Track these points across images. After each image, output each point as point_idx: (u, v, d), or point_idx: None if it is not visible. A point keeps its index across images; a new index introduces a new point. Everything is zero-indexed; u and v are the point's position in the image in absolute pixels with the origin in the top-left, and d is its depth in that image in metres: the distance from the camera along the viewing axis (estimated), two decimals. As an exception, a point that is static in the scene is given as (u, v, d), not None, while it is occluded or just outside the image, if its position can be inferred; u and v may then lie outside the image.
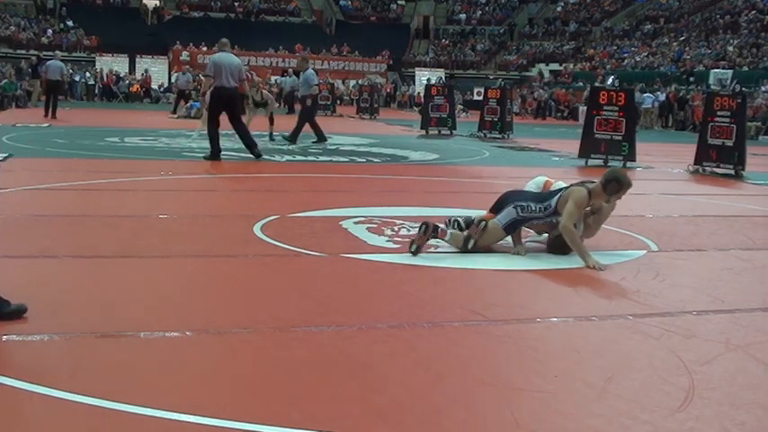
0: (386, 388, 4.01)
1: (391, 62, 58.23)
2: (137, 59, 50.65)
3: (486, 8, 68.45)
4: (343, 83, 51.40)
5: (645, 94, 38.65)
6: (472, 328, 5.12)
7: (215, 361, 4.33)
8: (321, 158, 16.22)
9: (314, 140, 20.07)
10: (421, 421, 3.66)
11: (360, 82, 43.05)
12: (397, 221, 8.63)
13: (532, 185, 8.23)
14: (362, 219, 8.74)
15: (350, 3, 67.02)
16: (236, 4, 62.76)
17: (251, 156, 14.94)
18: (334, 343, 4.68)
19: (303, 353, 4.48)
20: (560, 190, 7.38)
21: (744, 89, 17.44)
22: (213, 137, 14.64)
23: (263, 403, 3.76)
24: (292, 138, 19.82)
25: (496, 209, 7.60)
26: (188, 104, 29.96)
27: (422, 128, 25.88)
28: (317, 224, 8.50)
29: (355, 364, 4.35)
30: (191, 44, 52.82)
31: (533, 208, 7.33)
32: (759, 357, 4.75)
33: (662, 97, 38.44)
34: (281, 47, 55.64)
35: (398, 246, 7.47)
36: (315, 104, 21.76)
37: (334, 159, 16.16)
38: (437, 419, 3.70)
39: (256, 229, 7.92)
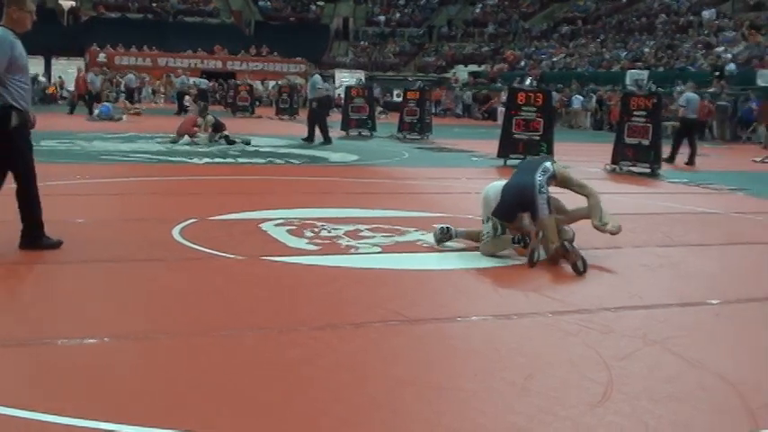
0: (308, 390, 4.00)
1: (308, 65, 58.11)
2: (52, 61, 49.80)
3: (406, 10, 68.65)
4: (262, 84, 51.10)
5: (573, 96, 39.15)
6: (393, 328, 5.13)
7: (134, 367, 4.28)
8: (240, 160, 16.10)
9: (303, 138, 21.64)
10: (344, 422, 3.66)
11: (279, 83, 42.81)
12: (318, 223, 8.60)
13: (491, 192, 7.97)
14: (282, 221, 8.70)
15: (269, 3, 66.67)
16: (153, 4, 61.96)
17: (170, 158, 14.80)
18: (255, 346, 4.65)
19: (223, 357, 4.45)
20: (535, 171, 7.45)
21: (659, 89, 17.73)
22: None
23: (184, 410, 3.72)
24: (311, 138, 21.56)
25: (506, 212, 7.42)
26: (99, 106, 29.47)
27: (342, 129, 25.86)
28: (236, 227, 8.44)
29: (276, 367, 4.33)
30: (108, 45, 52.11)
31: (544, 182, 7.36)
32: (676, 352, 4.84)
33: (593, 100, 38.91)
34: (199, 48, 55.16)
35: (319, 247, 7.45)
36: (322, 107, 22.62)
37: (253, 161, 16.06)
38: (360, 420, 3.70)
39: (175, 233, 7.83)
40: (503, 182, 7.78)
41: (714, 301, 6.19)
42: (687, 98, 19.55)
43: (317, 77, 23.15)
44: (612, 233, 7.48)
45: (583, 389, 4.15)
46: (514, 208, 7.42)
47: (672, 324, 5.53)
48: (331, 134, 21.67)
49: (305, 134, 21.80)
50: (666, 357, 4.77)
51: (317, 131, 21.55)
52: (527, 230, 7.40)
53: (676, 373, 4.49)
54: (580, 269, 6.83)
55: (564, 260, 7.01)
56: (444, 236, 7.65)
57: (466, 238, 7.79)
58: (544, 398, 4.01)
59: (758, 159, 21.47)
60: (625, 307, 5.89)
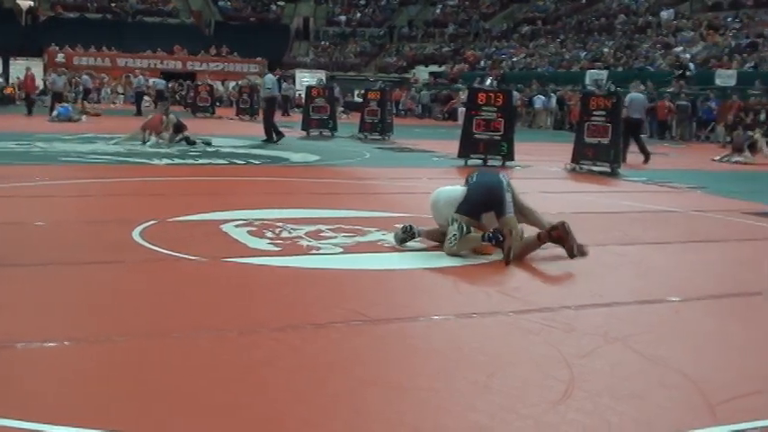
0: (269, 392, 3.97)
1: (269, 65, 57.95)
2: (10, 61, 49.33)
3: (366, 10, 68.67)
4: (223, 84, 50.93)
5: (535, 96, 39.36)
6: (355, 328, 5.11)
7: (94, 370, 4.22)
8: (200, 161, 16.02)
9: (264, 139, 21.80)
10: (306, 424, 3.64)
11: (239, 83, 42.70)
12: (279, 224, 8.56)
13: (449, 195, 7.98)
14: (243, 222, 8.65)
15: (229, 3, 66.43)
16: (112, 4, 61.51)
17: (129, 159, 14.70)
18: (215, 348, 4.61)
19: (182, 359, 4.40)
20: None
21: (618, 89, 17.87)
22: None
23: (144, 412, 3.68)
24: (269, 139, 21.78)
25: (471, 211, 7.50)
26: (59, 107, 29.21)
27: (302, 129, 25.81)
28: (197, 228, 8.39)
29: (237, 368, 4.29)
30: (66, 45, 51.68)
31: (509, 183, 7.59)
32: (637, 349, 4.86)
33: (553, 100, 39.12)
34: (159, 48, 54.88)
35: (280, 248, 7.41)
36: (269, 106, 22.71)
37: (213, 162, 15.98)
38: (322, 421, 3.68)
39: (135, 235, 7.76)
40: (452, 187, 7.92)
41: (674, 299, 6.23)
42: (630, 98, 19.74)
43: (267, 77, 23.44)
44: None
45: (545, 387, 4.15)
46: (481, 207, 7.50)
47: (633, 322, 5.55)
48: (292, 134, 21.66)
49: (264, 135, 21.80)
50: (628, 355, 4.79)
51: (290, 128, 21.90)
52: (496, 229, 7.43)
53: (638, 371, 4.51)
54: (575, 253, 7.04)
55: (558, 243, 7.16)
56: (407, 235, 7.64)
57: (428, 238, 7.79)
58: (506, 396, 4.01)
59: (717, 158, 21.68)
60: (586, 305, 5.91)
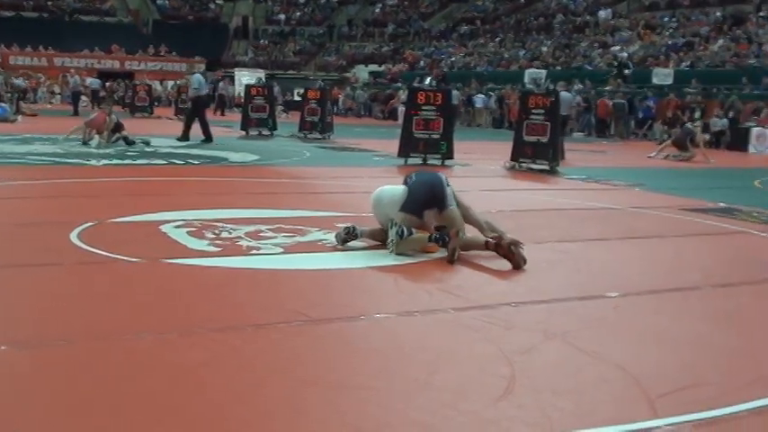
0: (209, 393, 3.94)
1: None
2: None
3: (306, 9, 68.53)
4: (161, 84, 50.48)
5: (477, 95, 39.54)
6: (296, 328, 5.08)
7: (29, 376, 4.15)
8: (139, 161, 15.83)
9: (178, 137, 21.33)
10: (247, 425, 3.61)
11: (178, 82, 42.34)
12: (218, 224, 8.50)
13: (392, 194, 7.98)
14: (183, 222, 8.58)
15: (167, 2, 65.85)
16: (49, 3, 60.58)
17: (67, 160, 14.50)
18: (154, 350, 4.56)
19: (121, 362, 4.34)
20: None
21: (557, 88, 18.01)
22: None
23: (80, 418, 3.62)
24: (208, 138, 21.41)
25: (415, 208, 7.54)
26: None
27: (242, 128, 25.66)
28: (136, 229, 8.30)
29: (177, 370, 4.24)
30: (2, 45, 50.91)
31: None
32: (576, 345, 4.90)
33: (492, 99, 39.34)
34: (96, 47, 54.26)
35: (220, 249, 7.35)
36: (195, 106, 22.43)
37: (152, 162, 15.81)
38: (263, 422, 3.66)
39: (73, 237, 7.64)
40: (393, 186, 7.94)
41: (613, 294, 6.29)
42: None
43: (195, 77, 23.19)
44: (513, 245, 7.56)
45: (486, 384, 4.17)
46: (424, 204, 7.54)
47: (572, 317, 5.60)
48: (231, 133, 21.52)
49: (203, 135, 21.65)
50: (567, 350, 4.82)
51: (184, 128, 21.70)
52: (436, 229, 7.54)
53: (577, 366, 4.55)
54: (521, 266, 7.03)
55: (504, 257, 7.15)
56: (349, 236, 7.62)
57: (370, 238, 7.79)
58: (447, 393, 4.02)
59: (652, 155, 21.93)
60: (526, 302, 5.95)
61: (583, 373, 4.43)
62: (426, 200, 7.54)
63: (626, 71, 36.50)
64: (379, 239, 7.74)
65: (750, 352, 5.08)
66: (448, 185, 7.62)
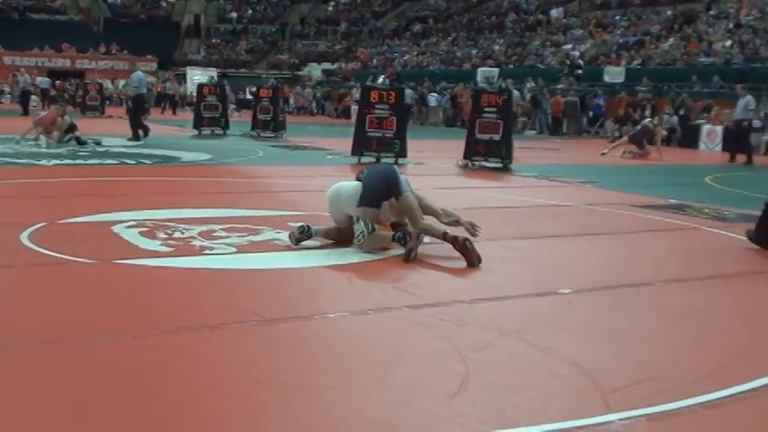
0: (164, 395, 3.91)
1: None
2: None
3: (258, 7, 68.32)
4: (112, 83, 50.07)
5: (431, 94, 39.61)
6: (250, 328, 5.06)
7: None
8: (91, 161, 15.69)
9: (128, 138, 21.16)
10: (202, 425, 3.60)
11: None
12: (171, 224, 8.45)
13: (350, 190, 7.97)
14: (135, 222, 8.51)
15: (118, 0, 65.31)
16: (-1, 1, 60.05)
17: (16, 160, 14.34)
18: (108, 353, 4.51)
19: (75, 364, 4.30)
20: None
21: (509, 86, 18.11)
22: None
23: (34, 423, 3.58)
24: (135, 137, 21.21)
25: (372, 200, 7.54)
26: None
27: (194, 128, 25.51)
28: (87, 230, 8.22)
29: (131, 373, 4.20)
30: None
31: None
32: (530, 341, 4.92)
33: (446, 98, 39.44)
34: (46, 46, 53.70)
35: (172, 249, 7.31)
36: (135, 104, 22.44)
37: (104, 162, 15.67)
38: (218, 422, 3.64)
39: (23, 238, 7.54)
40: (349, 182, 7.96)
41: (566, 291, 6.33)
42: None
43: (135, 75, 23.11)
44: (469, 230, 7.65)
45: (440, 381, 4.18)
46: (380, 195, 7.56)
47: (526, 314, 5.63)
48: (184, 133, 21.40)
49: (155, 134, 21.56)
50: (521, 347, 4.85)
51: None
52: (396, 225, 7.68)
53: (531, 362, 4.58)
54: (476, 264, 7.06)
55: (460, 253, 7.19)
56: (303, 235, 7.60)
57: (324, 237, 7.78)
58: (402, 391, 4.02)
59: (606, 152, 22.08)
60: (480, 299, 5.97)
61: (536, 369, 4.46)
62: (382, 190, 7.56)
63: (576, 71, 36.76)
64: (334, 238, 7.74)
65: (702, 346, 5.13)
66: (402, 174, 7.72)
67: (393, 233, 7.52)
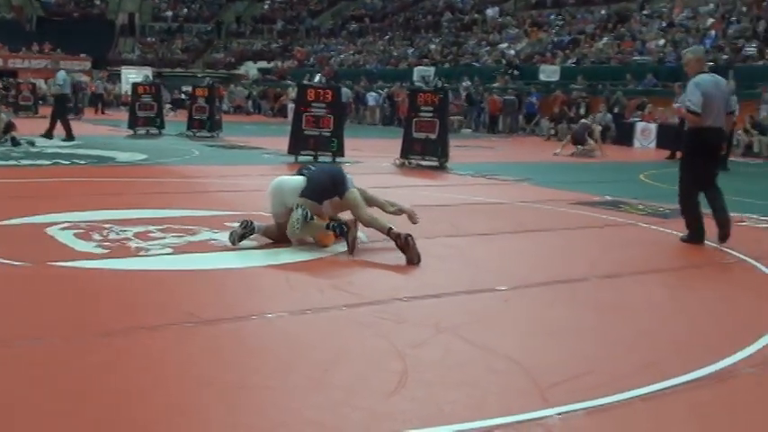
0: (104, 397, 3.87)
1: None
2: None
3: (193, 6, 67.77)
4: (46, 82, 49.32)
5: (369, 93, 39.57)
6: (189, 329, 5.04)
7: None
8: (24, 162, 15.45)
9: (62, 138, 20.90)
10: (139, 427, 3.57)
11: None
12: (106, 225, 8.36)
13: (293, 183, 7.97)
14: (69, 224, 8.40)
15: (51, -2, 64.43)
16: (-74, -1, 58.81)
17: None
18: (41, 358, 4.44)
19: (11, 369, 4.24)
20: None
21: (446, 85, 18.17)
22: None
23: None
24: (69, 137, 20.97)
25: (315, 195, 7.60)
26: None
27: (129, 128, 25.23)
28: (20, 232, 8.10)
29: (69, 375, 4.16)
30: None
31: None
32: (467, 338, 4.96)
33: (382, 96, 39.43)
34: (-24, 44, 52.86)
35: (108, 251, 7.23)
36: (59, 103, 22.15)
37: (37, 162, 15.44)
38: (158, 424, 3.62)
39: (-47, 240, 7.44)
40: (291, 176, 8.03)
41: (502, 288, 6.39)
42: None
43: (59, 74, 22.88)
44: (411, 217, 7.97)
45: (379, 379, 4.20)
46: (324, 191, 7.64)
47: (462, 311, 5.67)
48: (119, 132, 21.20)
49: (89, 134, 21.29)
50: (458, 344, 4.88)
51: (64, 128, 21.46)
52: (336, 218, 7.75)
53: (468, 359, 4.61)
54: (415, 262, 7.11)
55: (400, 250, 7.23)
56: (247, 230, 7.58)
57: (263, 235, 7.77)
58: (341, 390, 4.03)
59: (558, 152, 22.13)
60: (417, 297, 6.00)
61: (474, 366, 4.50)
62: (326, 188, 7.64)
63: (511, 71, 37.02)
64: (273, 237, 7.74)
65: (637, 340, 5.21)
66: (347, 174, 7.82)
67: (327, 222, 7.56)
